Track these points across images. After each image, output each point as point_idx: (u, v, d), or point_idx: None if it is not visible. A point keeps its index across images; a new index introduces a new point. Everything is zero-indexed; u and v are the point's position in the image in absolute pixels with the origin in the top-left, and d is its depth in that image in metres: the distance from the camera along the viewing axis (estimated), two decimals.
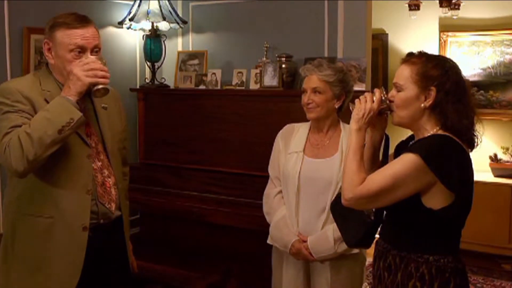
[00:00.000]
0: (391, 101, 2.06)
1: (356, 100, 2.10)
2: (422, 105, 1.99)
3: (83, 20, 2.25)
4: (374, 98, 2.06)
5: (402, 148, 2.12)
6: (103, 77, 2.16)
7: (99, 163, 2.33)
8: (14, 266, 2.27)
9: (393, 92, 2.06)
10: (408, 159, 1.90)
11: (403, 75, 2.02)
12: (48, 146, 2.07)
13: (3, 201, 2.41)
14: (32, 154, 2.04)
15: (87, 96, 2.27)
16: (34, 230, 2.23)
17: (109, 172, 2.38)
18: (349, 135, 2.11)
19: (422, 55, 2.04)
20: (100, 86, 2.16)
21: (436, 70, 1.98)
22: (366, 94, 2.10)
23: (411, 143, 2.09)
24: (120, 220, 2.44)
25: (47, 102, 2.18)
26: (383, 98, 2.07)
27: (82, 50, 2.21)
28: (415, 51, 2.08)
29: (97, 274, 2.31)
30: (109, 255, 2.39)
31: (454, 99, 1.97)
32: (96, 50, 2.25)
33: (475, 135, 2.02)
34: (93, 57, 2.18)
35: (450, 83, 1.97)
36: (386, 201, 1.96)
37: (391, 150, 2.24)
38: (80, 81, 2.11)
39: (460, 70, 2.04)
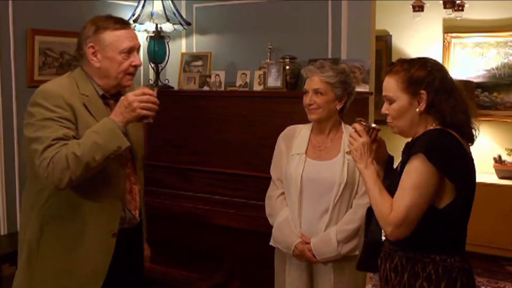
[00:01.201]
0: (386, 114, 2.08)
1: (347, 145, 2.16)
2: (417, 110, 2.01)
3: (125, 22, 2.31)
4: (360, 133, 2.12)
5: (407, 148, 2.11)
6: (155, 111, 2.19)
7: (128, 170, 2.36)
8: (38, 269, 2.27)
9: (385, 105, 2.08)
10: (415, 165, 1.92)
11: (390, 86, 2.05)
12: (93, 169, 2.09)
13: (23, 204, 2.39)
14: (77, 176, 2.07)
15: (114, 103, 2.31)
16: (63, 234, 2.24)
17: (135, 179, 2.41)
18: (362, 176, 2.12)
19: (402, 62, 2.06)
20: (147, 120, 2.21)
21: (420, 72, 2.00)
22: (350, 133, 2.16)
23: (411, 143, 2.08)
24: (140, 225, 2.47)
25: (85, 107, 2.21)
26: (365, 127, 2.12)
27: (130, 50, 2.26)
28: (400, 58, 2.11)
29: (117, 276, 2.32)
30: (129, 258, 2.41)
31: (445, 95, 1.99)
32: (138, 49, 2.32)
33: (474, 128, 2.04)
34: (151, 91, 2.17)
35: (437, 81, 1.99)
36: (419, 214, 1.94)
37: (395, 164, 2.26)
38: (134, 113, 2.13)
39: (442, 66, 2.07)
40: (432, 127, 2.02)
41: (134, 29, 2.34)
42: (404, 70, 2.02)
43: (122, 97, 2.16)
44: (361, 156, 2.10)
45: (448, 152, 1.93)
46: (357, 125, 2.15)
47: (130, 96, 2.13)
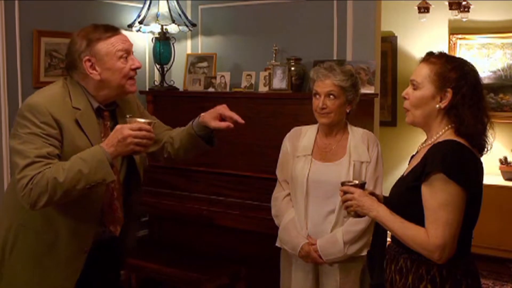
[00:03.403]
0: (405, 98, 2.08)
1: (348, 210, 2.16)
2: (437, 106, 2.00)
3: (114, 28, 2.27)
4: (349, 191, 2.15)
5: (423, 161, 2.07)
6: (149, 145, 2.15)
7: (112, 184, 2.27)
8: (6, 272, 2.26)
9: (409, 89, 2.07)
10: (438, 185, 1.90)
11: (421, 73, 2.03)
12: (71, 196, 2.06)
13: (3, 204, 2.35)
14: (54, 201, 2.04)
15: (110, 114, 2.30)
16: (35, 245, 2.21)
17: (118, 194, 2.33)
18: (379, 221, 2.11)
19: (442, 56, 2.05)
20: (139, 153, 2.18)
21: (454, 73, 1.99)
22: (341, 199, 2.18)
23: (426, 149, 2.04)
24: (120, 239, 2.41)
25: (77, 123, 2.16)
26: (352, 185, 2.18)
27: (127, 54, 2.24)
28: (435, 51, 2.09)
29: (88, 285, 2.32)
30: (101, 271, 2.38)
31: (471, 103, 1.97)
32: (133, 51, 2.29)
33: (486, 141, 2.02)
34: (148, 126, 2.11)
35: (467, 87, 1.97)
36: (458, 230, 1.92)
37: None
38: (127, 148, 2.08)
39: (478, 74, 2.04)
40: (443, 130, 2.01)
41: (123, 33, 2.30)
42: (441, 63, 2.01)
43: (118, 127, 2.10)
44: (365, 207, 2.09)
45: (465, 166, 1.92)
46: (344, 188, 2.17)
47: (126, 130, 2.06)
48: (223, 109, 2.43)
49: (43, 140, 2.07)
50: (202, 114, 2.46)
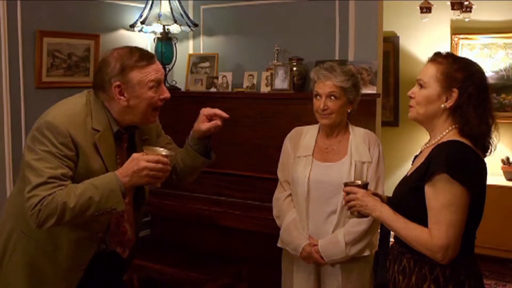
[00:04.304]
0: (411, 97, 2.08)
1: (351, 211, 2.17)
2: (443, 105, 2.01)
3: (149, 56, 2.22)
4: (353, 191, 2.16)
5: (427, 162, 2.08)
6: (165, 178, 2.13)
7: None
8: (1, 278, 2.25)
9: (415, 89, 2.08)
10: (441, 186, 1.91)
11: (427, 73, 2.04)
12: (80, 220, 2.04)
13: (7, 207, 2.33)
14: (62, 223, 2.02)
15: (128, 136, 2.28)
16: (34, 256, 2.20)
17: (128, 216, 2.31)
18: (382, 221, 2.11)
19: (449, 56, 2.06)
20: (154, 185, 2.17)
21: (460, 73, 1.99)
22: (345, 200, 2.19)
23: (430, 149, 2.04)
24: (125, 260, 2.40)
25: (95, 146, 2.13)
26: (354, 185, 2.19)
27: (158, 84, 2.20)
28: (443, 51, 2.10)
29: None
30: (100, 282, 2.36)
31: (476, 103, 1.98)
32: (163, 80, 2.27)
33: (490, 143, 2.02)
34: (165, 159, 2.07)
35: (474, 87, 1.98)
36: (461, 231, 1.93)
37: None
38: (142, 180, 2.05)
39: (485, 75, 2.05)
40: (447, 130, 2.01)
41: (157, 61, 2.25)
42: (447, 63, 2.02)
43: (135, 156, 2.07)
44: (369, 207, 2.10)
45: (469, 166, 1.92)
46: (347, 188, 2.18)
47: (143, 162, 2.03)
48: (206, 110, 2.45)
49: (59, 161, 2.04)
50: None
